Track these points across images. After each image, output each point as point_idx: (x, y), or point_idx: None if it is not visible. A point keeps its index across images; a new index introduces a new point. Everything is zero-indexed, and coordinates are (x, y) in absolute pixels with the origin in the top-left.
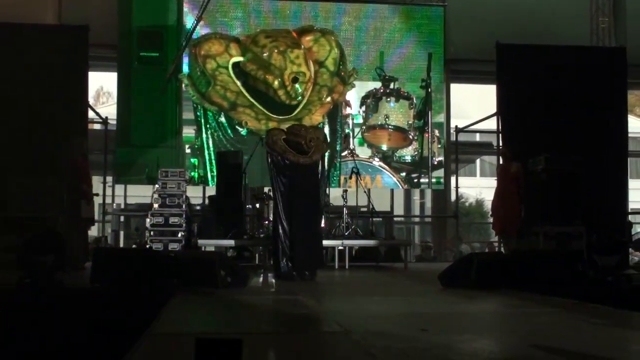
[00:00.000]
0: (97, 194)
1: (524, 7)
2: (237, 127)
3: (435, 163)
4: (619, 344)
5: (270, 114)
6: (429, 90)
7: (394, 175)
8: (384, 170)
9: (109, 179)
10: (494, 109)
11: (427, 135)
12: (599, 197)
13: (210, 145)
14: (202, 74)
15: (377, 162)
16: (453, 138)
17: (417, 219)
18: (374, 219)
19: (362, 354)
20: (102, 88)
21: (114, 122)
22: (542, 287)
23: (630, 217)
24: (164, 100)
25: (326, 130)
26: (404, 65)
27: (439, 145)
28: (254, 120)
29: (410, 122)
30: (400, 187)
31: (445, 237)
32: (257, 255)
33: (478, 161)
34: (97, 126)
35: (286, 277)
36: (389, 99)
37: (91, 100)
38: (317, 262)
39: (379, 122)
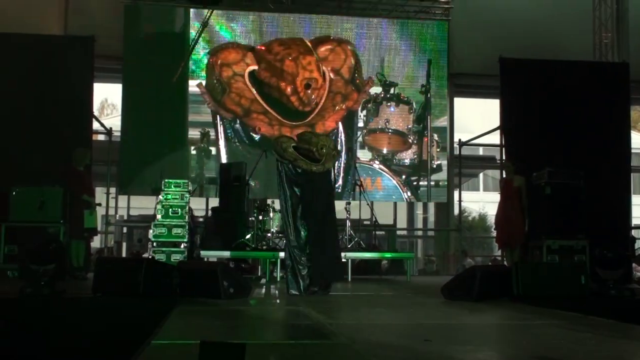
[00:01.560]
0: (99, 204)
1: (528, 22)
2: (251, 133)
3: (435, 166)
4: (622, 356)
5: (284, 120)
6: (428, 95)
7: (393, 178)
8: (384, 173)
9: (112, 190)
10: (497, 124)
11: (426, 139)
12: (603, 211)
13: (225, 150)
14: (218, 82)
15: (377, 165)
16: (456, 152)
17: (420, 233)
18: (377, 233)
19: None
20: (107, 100)
21: (118, 133)
22: (545, 300)
23: (634, 232)
24: (169, 109)
25: (342, 136)
26: (404, 71)
27: (438, 149)
28: (267, 126)
29: (409, 127)
30: (400, 190)
31: (448, 251)
32: (259, 267)
33: (481, 176)
34: (101, 137)
35: (301, 292)
36: (389, 104)
37: (96, 112)
38: (335, 275)
39: (380, 126)
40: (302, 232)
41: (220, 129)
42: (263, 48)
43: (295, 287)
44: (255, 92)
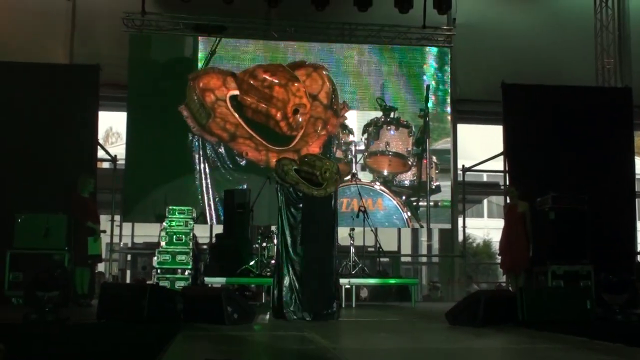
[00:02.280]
0: (104, 231)
1: (530, 48)
2: (236, 157)
3: (434, 187)
4: None
5: (269, 145)
6: (427, 119)
7: (393, 199)
8: (385, 194)
9: (117, 217)
10: (500, 149)
11: (425, 161)
12: (607, 236)
13: (208, 176)
14: (201, 107)
15: (378, 186)
16: (460, 178)
17: (424, 259)
18: (382, 259)
19: None
20: (112, 129)
21: (123, 160)
22: (550, 325)
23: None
24: (174, 135)
25: None
26: (404, 96)
27: (437, 171)
28: (254, 150)
29: (409, 149)
30: (400, 210)
31: (453, 277)
32: (262, 293)
33: (485, 202)
34: (105, 165)
35: (291, 318)
36: (389, 127)
37: (100, 140)
38: (330, 303)
39: (380, 149)
40: (299, 257)
41: (200, 152)
42: (245, 73)
43: (288, 314)
44: (237, 116)
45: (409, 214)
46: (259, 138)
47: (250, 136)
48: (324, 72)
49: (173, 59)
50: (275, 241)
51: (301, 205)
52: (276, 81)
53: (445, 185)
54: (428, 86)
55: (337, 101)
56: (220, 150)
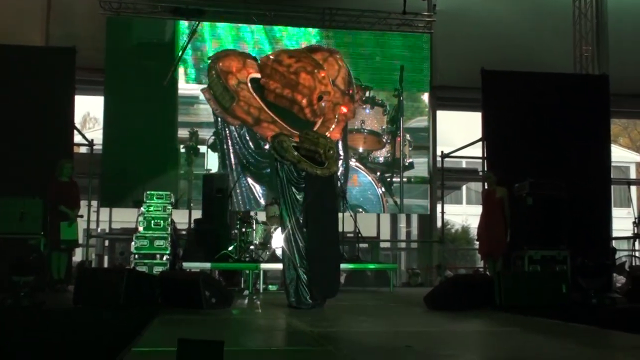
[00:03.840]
0: (81, 216)
1: (509, 35)
2: (259, 140)
3: (407, 164)
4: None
5: (292, 130)
6: (401, 98)
7: (368, 175)
8: (360, 170)
9: (94, 202)
10: (479, 136)
11: (398, 139)
12: (584, 222)
13: (232, 157)
14: (225, 90)
15: (353, 163)
16: (439, 164)
17: (403, 245)
18: (360, 245)
19: None
20: (89, 114)
21: (100, 145)
22: (526, 309)
23: (614, 243)
24: (152, 119)
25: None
26: (379, 77)
27: (410, 148)
28: None
29: (383, 127)
30: (375, 186)
31: (431, 264)
32: (241, 279)
33: (464, 188)
34: (83, 149)
35: (301, 305)
36: (364, 106)
37: (78, 125)
38: (332, 290)
39: (356, 127)
40: (303, 241)
41: (226, 133)
42: (268, 58)
43: (295, 300)
44: (259, 100)
45: (383, 189)
46: (282, 122)
47: (274, 120)
48: (339, 57)
49: (151, 43)
50: (254, 227)
51: (304, 185)
52: (303, 68)
53: (419, 162)
54: (402, 67)
55: (352, 86)
56: (242, 132)
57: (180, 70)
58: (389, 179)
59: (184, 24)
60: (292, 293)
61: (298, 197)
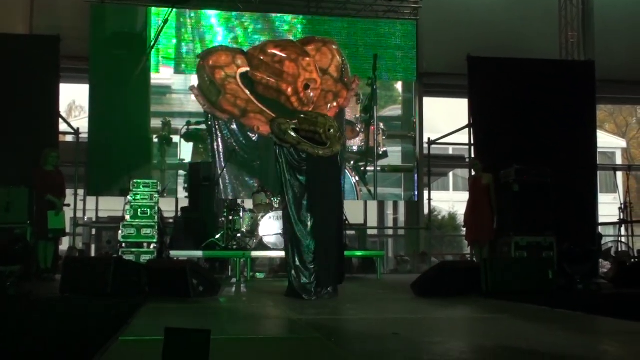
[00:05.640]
0: (68, 205)
1: (495, 22)
2: (248, 133)
3: (380, 153)
4: (588, 345)
5: None
6: (374, 87)
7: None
8: None
9: (81, 191)
10: (465, 123)
11: (372, 127)
12: (570, 208)
13: (221, 151)
14: (211, 84)
15: None
16: (426, 151)
17: (390, 232)
18: (348, 232)
19: (337, 357)
20: (75, 102)
21: (86, 134)
22: (513, 295)
23: (600, 229)
24: (134, 108)
25: None
26: (354, 65)
27: (384, 137)
28: (265, 125)
29: (357, 116)
30: (349, 174)
31: (418, 251)
32: (229, 267)
33: (451, 175)
34: (69, 138)
35: (305, 294)
36: None
37: (63, 114)
38: (340, 277)
39: None
40: (308, 226)
41: (216, 129)
42: (255, 49)
43: (301, 289)
44: (248, 93)
45: (357, 178)
46: (270, 113)
47: (261, 111)
48: (334, 47)
49: (133, 30)
50: (241, 214)
51: (305, 167)
52: (286, 56)
53: (393, 150)
54: (375, 55)
55: (347, 74)
56: (232, 126)
57: (154, 59)
58: (362, 168)
59: (162, 14)
60: (297, 282)
61: (301, 180)
